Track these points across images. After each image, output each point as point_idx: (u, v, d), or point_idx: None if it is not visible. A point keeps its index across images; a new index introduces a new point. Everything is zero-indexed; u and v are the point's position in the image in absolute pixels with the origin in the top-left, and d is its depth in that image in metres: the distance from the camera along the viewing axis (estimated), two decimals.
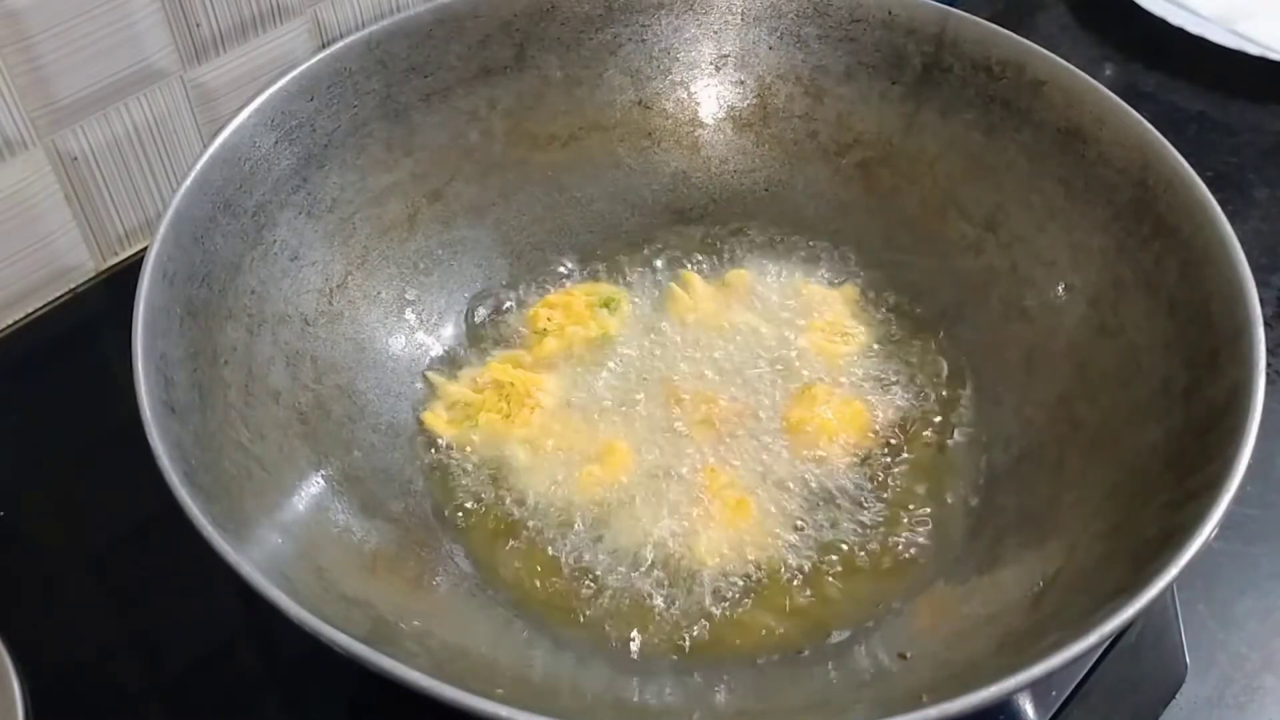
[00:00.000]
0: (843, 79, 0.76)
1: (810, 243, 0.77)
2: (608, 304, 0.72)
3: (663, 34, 0.77)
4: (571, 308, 0.72)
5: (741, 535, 0.62)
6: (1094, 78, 0.67)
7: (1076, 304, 0.66)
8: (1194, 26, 0.97)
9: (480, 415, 0.67)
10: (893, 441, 0.66)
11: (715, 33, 0.77)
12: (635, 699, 0.55)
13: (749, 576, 0.60)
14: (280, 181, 0.66)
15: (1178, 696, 0.60)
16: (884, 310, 0.73)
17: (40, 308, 0.77)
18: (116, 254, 0.80)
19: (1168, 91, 0.97)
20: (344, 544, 0.58)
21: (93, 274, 0.79)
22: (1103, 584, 0.50)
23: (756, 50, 0.77)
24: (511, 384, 0.67)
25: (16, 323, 0.76)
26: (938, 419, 0.67)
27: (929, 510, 0.63)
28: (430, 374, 0.70)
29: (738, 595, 0.60)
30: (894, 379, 0.70)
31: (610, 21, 0.76)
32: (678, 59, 0.78)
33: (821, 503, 0.63)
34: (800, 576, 0.60)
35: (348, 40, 0.69)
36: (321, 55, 0.68)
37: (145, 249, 0.57)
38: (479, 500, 0.64)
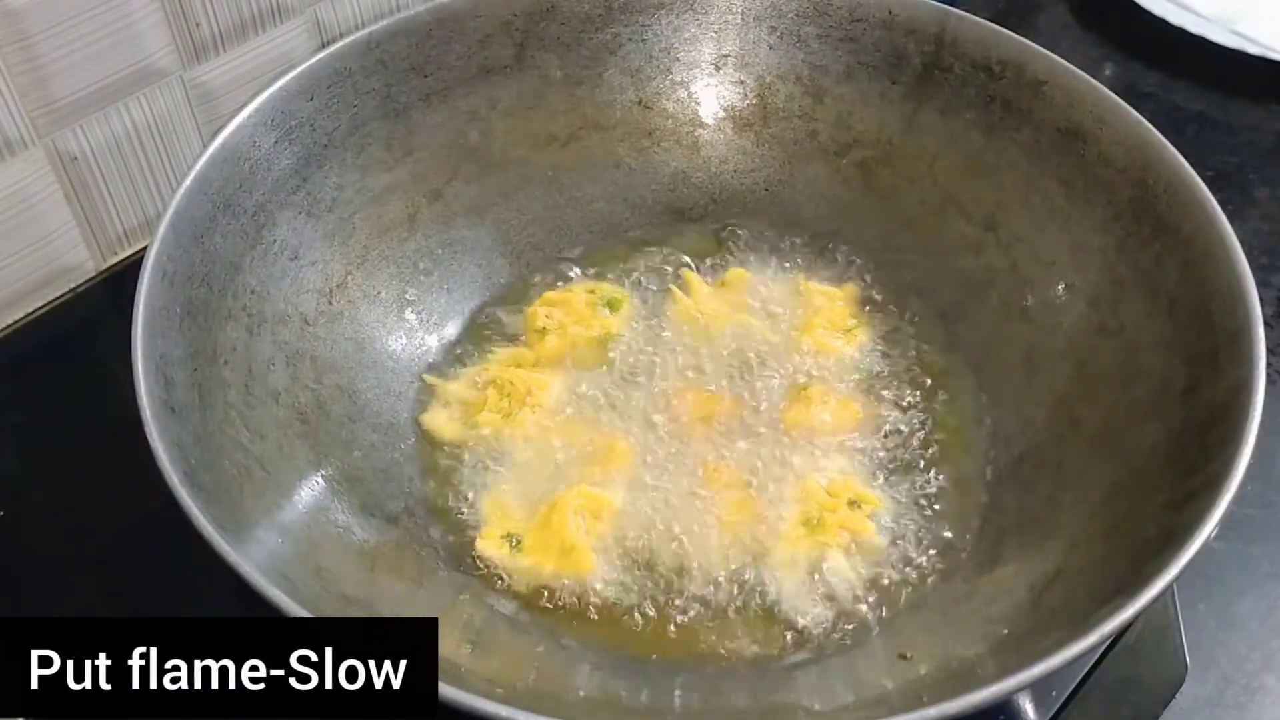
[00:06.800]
0: (843, 79, 0.76)
1: (810, 242, 0.77)
2: (610, 304, 0.72)
3: (663, 34, 0.77)
4: (571, 305, 0.72)
5: (741, 534, 0.62)
6: (1094, 77, 0.67)
7: (1076, 303, 0.66)
8: (1194, 26, 0.97)
9: (480, 415, 0.67)
10: (891, 441, 0.66)
11: (715, 32, 0.77)
12: (635, 699, 0.55)
13: (749, 575, 0.60)
14: (280, 181, 0.66)
15: (1178, 696, 0.60)
16: (883, 310, 0.73)
17: (40, 307, 0.77)
18: (116, 253, 0.80)
19: (1168, 91, 0.97)
20: (344, 544, 0.58)
21: (92, 274, 0.79)
22: (1103, 584, 0.50)
23: (756, 50, 0.77)
24: (512, 383, 0.67)
25: (16, 322, 0.76)
26: (937, 418, 0.67)
27: (928, 509, 0.63)
28: (430, 374, 0.70)
29: (737, 594, 0.60)
30: (893, 378, 0.70)
31: (610, 21, 0.76)
32: (678, 59, 0.78)
33: (821, 502, 0.63)
34: (799, 576, 0.60)
35: (347, 40, 0.69)
36: (321, 55, 0.68)
37: (145, 249, 0.58)
38: (479, 500, 0.64)
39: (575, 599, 0.59)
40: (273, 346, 0.63)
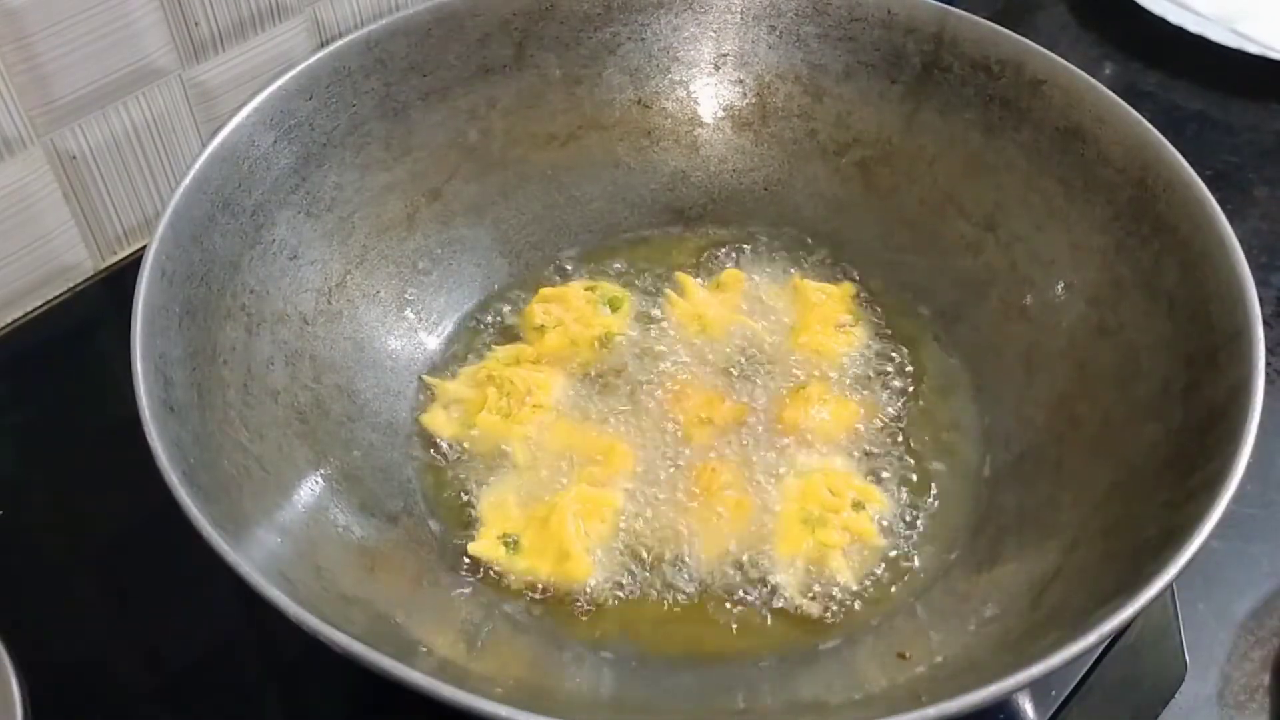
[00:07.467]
0: (842, 78, 0.76)
1: (808, 241, 0.77)
2: (611, 303, 0.72)
3: (662, 33, 0.77)
4: (569, 302, 0.72)
5: (740, 534, 0.62)
6: (1093, 77, 0.67)
7: (1076, 303, 0.66)
8: (1194, 25, 0.97)
9: (480, 414, 0.66)
10: (889, 441, 0.66)
11: (714, 32, 0.77)
12: (634, 698, 0.55)
13: (747, 577, 0.60)
14: (279, 180, 0.66)
15: (1177, 695, 0.60)
16: (882, 309, 0.73)
17: (39, 306, 0.77)
18: (115, 253, 0.79)
19: (1167, 90, 0.97)
20: (343, 543, 0.58)
21: (91, 273, 0.79)
22: (1102, 583, 0.50)
23: (755, 49, 0.77)
24: (511, 382, 0.67)
25: (15, 321, 0.76)
26: (936, 418, 0.67)
27: (927, 509, 0.63)
28: (429, 373, 0.70)
29: (736, 595, 0.60)
30: (891, 377, 0.70)
31: (609, 20, 0.76)
32: (677, 58, 0.78)
33: (821, 501, 0.63)
34: (799, 575, 0.60)
35: (347, 39, 0.69)
36: (320, 54, 0.68)
37: (144, 248, 0.57)
38: (478, 499, 0.64)
39: (575, 598, 0.59)
40: (272, 346, 0.63)
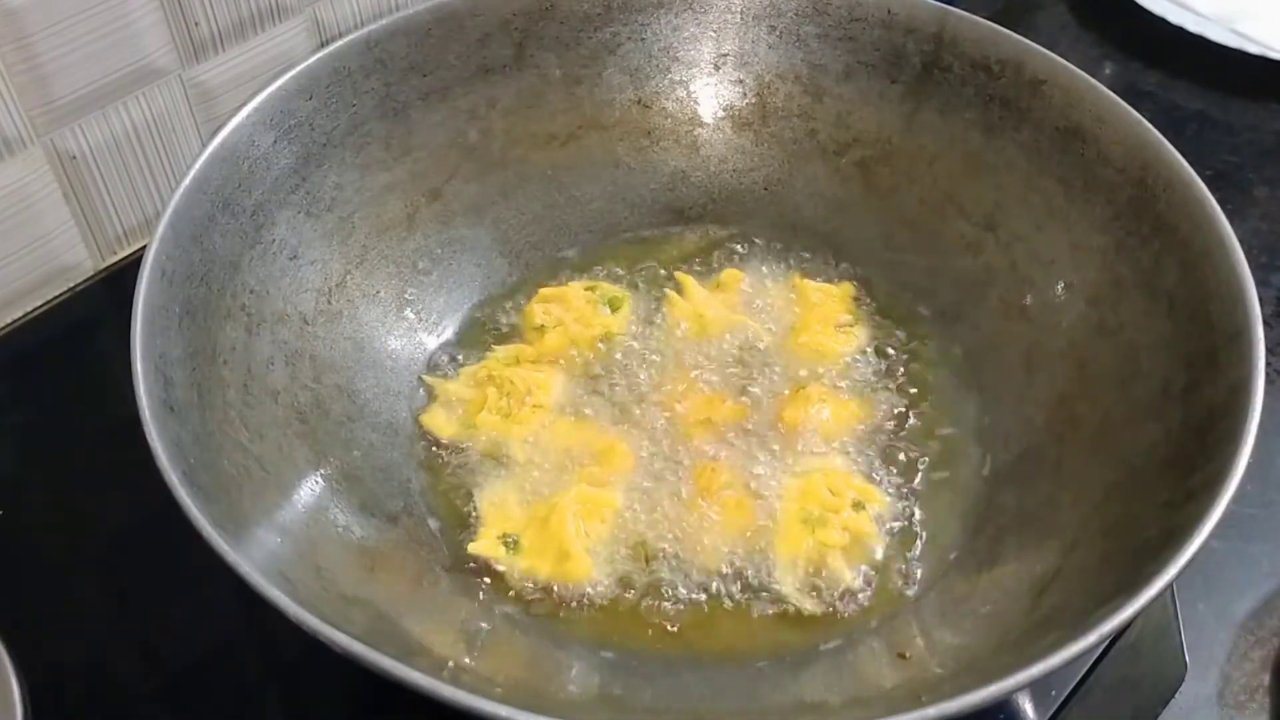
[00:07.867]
0: (842, 78, 0.76)
1: (808, 241, 0.77)
2: (611, 303, 0.72)
3: (662, 33, 0.77)
4: (569, 301, 0.72)
5: (740, 534, 0.62)
6: (1093, 77, 0.67)
7: (1076, 303, 0.66)
8: (1194, 25, 0.97)
9: (480, 414, 0.66)
10: (889, 440, 0.66)
11: (714, 32, 0.77)
12: (634, 698, 0.55)
13: (747, 577, 0.60)
14: (279, 180, 0.66)
15: (1177, 696, 0.60)
16: (882, 309, 0.73)
17: (39, 306, 0.77)
18: (115, 253, 0.79)
19: (1167, 90, 0.97)
20: (343, 543, 0.58)
21: (91, 273, 0.79)
22: (1102, 583, 0.50)
23: (755, 49, 0.77)
24: (511, 382, 0.67)
25: (15, 321, 0.76)
26: (936, 418, 0.67)
27: (927, 509, 0.63)
28: (429, 373, 0.70)
29: (736, 595, 0.60)
30: (891, 377, 0.70)
31: (609, 20, 0.76)
32: (677, 58, 0.78)
33: (822, 501, 0.63)
34: (799, 575, 0.60)
35: (346, 39, 0.69)
36: (320, 54, 0.68)
37: (144, 248, 0.57)
38: (478, 499, 0.64)
39: (574, 599, 0.59)
40: (272, 346, 0.63)
